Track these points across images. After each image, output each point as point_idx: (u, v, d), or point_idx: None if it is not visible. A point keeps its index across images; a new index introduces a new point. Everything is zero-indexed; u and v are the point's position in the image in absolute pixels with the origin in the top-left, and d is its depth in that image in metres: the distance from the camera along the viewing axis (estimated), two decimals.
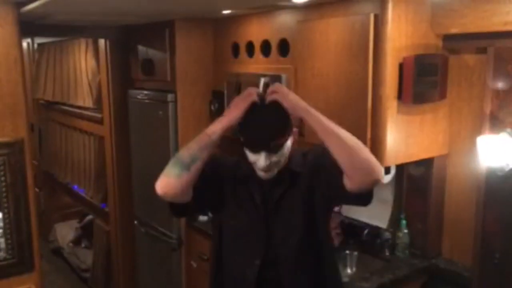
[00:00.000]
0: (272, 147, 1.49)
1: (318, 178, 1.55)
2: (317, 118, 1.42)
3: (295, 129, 1.57)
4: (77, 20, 2.91)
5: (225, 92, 2.77)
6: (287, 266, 1.60)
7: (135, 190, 3.49)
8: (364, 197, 1.48)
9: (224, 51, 2.86)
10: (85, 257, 4.42)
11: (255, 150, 1.51)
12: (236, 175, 1.66)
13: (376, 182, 1.41)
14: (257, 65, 2.61)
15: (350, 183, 1.40)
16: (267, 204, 1.60)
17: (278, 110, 1.49)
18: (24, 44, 4.63)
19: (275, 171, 1.55)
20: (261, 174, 1.55)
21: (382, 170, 1.45)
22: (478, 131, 2.05)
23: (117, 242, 3.72)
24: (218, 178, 1.66)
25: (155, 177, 3.29)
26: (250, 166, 1.59)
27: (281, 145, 1.51)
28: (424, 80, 2.02)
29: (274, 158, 1.51)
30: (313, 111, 1.44)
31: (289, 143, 1.54)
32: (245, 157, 1.63)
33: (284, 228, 1.60)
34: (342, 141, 1.39)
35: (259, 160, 1.51)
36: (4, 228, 2.34)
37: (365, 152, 1.41)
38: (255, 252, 1.61)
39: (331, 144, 1.40)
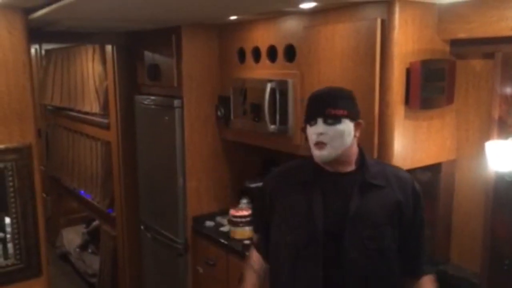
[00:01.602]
0: (327, 115, 1.45)
1: (405, 225, 1.55)
2: None
3: (360, 121, 1.53)
4: (84, 26, 2.94)
5: (231, 97, 2.77)
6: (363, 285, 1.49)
7: (141, 195, 3.50)
8: None
9: (230, 57, 2.87)
10: (92, 262, 4.43)
11: (312, 118, 1.47)
12: (291, 183, 1.58)
13: None
14: (263, 70, 2.61)
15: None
16: (334, 216, 1.48)
17: (344, 90, 1.54)
18: (32, 50, 4.66)
19: (330, 152, 1.46)
20: (314, 152, 1.49)
21: None
22: (486, 136, 2.04)
23: (123, 247, 3.73)
24: (270, 205, 1.64)
25: (162, 182, 3.33)
26: (309, 171, 1.55)
27: (337, 117, 1.45)
28: (431, 85, 2.01)
29: (330, 132, 1.45)
30: None
31: (349, 127, 1.48)
32: (300, 162, 1.63)
33: (362, 248, 1.47)
34: None
35: (316, 128, 1.46)
36: (12, 233, 2.35)
37: None
38: (314, 276, 1.47)
39: None
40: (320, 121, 1.47)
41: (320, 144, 1.47)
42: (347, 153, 1.52)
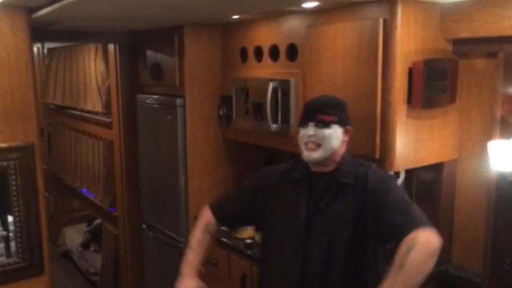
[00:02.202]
0: (318, 119, 1.62)
1: (372, 218, 1.57)
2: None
3: (349, 127, 1.68)
4: (86, 25, 2.94)
5: (233, 96, 2.78)
6: (330, 270, 1.63)
7: (143, 194, 3.51)
8: None
9: (233, 56, 2.87)
10: (94, 261, 4.44)
11: (305, 122, 1.65)
12: (287, 181, 1.74)
13: None
14: (265, 69, 2.61)
15: None
16: (311, 211, 1.65)
17: (337, 99, 1.73)
18: (34, 49, 4.66)
19: (319, 154, 1.62)
20: (303, 153, 1.64)
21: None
22: (488, 135, 2.04)
23: (125, 246, 3.74)
24: (260, 200, 1.79)
25: (164, 181, 3.33)
26: (300, 171, 1.71)
27: (327, 123, 1.62)
28: (433, 85, 2.01)
29: (319, 134, 1.62)
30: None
31: (337, 132, 1.64)
32: (294, 163, 1.78)
33: (325, 240, 1.62)
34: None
35: (307, 130, 1.63)
36: (14, 231, 2.36)
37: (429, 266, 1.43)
38: (296, 257, 1.65)
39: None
40: (311, 124, 1.63)
41: (309, 145, 1.63)
42: (333, 155, 1.67)
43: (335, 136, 1.64)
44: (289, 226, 1.68)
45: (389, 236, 1.58)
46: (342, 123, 1.66)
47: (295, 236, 1.66)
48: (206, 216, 1.90)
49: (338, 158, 1.68)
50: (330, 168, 1.68)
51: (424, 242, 1.41)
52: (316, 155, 1.63)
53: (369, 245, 1.61)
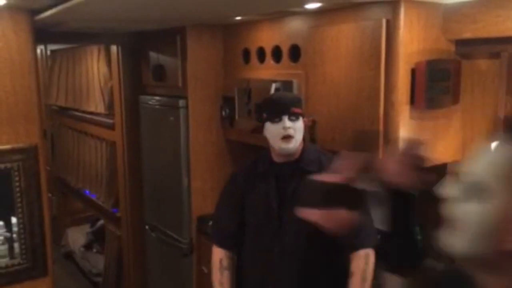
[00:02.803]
0: (291, 113, 1.76)
1: None
2: None
3: (305, 119, 1.83)
4: (89, 27, 2.94)
5: (236, 97, 2.78)
6: (300, 256, 1.79)
7: (146, 195, 3.51)
8: None
9: (235, 57, 2.87)
10: (97, 262, 4.45)
11: (278, 116, 1.76)
12: (255, 174, 1.88)
13: None
14: (268, 70, 2.61)
15: None
16: (281, 199, 1.79)
17: (296, 94, 1.92)
18: (37, 51, 4.68)
19: (293, 143, 1.76)
20: (281, 145, 1.77)
21: None
22: (491, 136, 2.03)
23: (128, 247, 3.74)
24: (240, 198, 1.92)
25: (166, 182, 3.33)
26: (266, 163, 1.86)
27: (298, 115, 1.78)
28: (436, 86, 2.00)
29: (294, 126, 1.75)
30: None
31: (302, 124, 1.79)
32: (260, 157, 1.92)
33: (295, 224, 1.67)
34: None
35: (281, 124, 1.75)
36: (18, 232, 2.37)
37: None
38: (273, 242, 1.79)
39: None
40: (285, 118, 1.76)
41: (287, 138, 1.76)
42: (299, 146, 1.82)
43: (302, 128, 1.81)
44: (263, 215, 1.82)
45: (343, 239, 1.65)
46: (303, 114, 1.83)
47: (269, 224, 1.80)
48: (216, 255, 1.97)
49: (300, 147, 1.83)
50: (293, 157, 1.82)
51: (372, 262, 1.73)
52: (292, 145, 1.77)
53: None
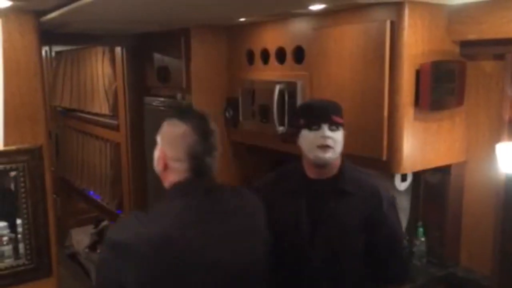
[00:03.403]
0: (332, 121, 1.60)
1: (373, 232, 1.62)
2: None
3: (345, 132, 1.66)
4: (94, 28, 2.95)
5: (240, 99, 2.78)
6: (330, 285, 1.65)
7: (150, 196, 3.51)
8: None
9: (239, 58, 2.87)
10: None
11: (317, 123, 1.60)
12: (283, 189, 1.70)
13: None
14: (272, 72, 2.61)
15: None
16: (313, 221, 1.62)
17: (337, 103, 1.70)
18: (42, 52, 4.70)
19: (330, 154, 1.59)
20: (317, 154, 1.59)
21: None
22: (496, 138, 2.03)
23: None
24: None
25: None
26: (298, 178, 1.68)
27: (339, 125, 1.61)
28: (441, 87, 2.00)
29: (334, 136, 1.59)
30: None
31: (342, 136, 1.63)
32: (290, 170, 1.74)
33: (330, 250, 1.61)
34: None
35: (320, 132, 1.59)
36: (23, 233, 2.37)
37: None
38: (301, 271, 1.65)
39: None
40: (325, 126, 1.60)
41: (325, 147, 1.59)
42: (336, 160, 1.66)
43: (342, 139, 1.64)
44: (292, 238, 1.64)
45: (375, 268, 1.65)
46: (343, 125, 1.66)
47: (298, 247, 1.63)
48: None
49: (338, 163, 1.67)
50: (330, 174, 1.66)
51: None
52: (329, 155, 1.60)
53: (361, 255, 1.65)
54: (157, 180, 3.53)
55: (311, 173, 1.68)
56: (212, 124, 1.50)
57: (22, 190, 2.32)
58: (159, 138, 1.47)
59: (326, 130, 1.59)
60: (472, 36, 1.99)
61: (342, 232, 1.61)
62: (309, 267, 1.63)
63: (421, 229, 2.36)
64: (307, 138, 1.63)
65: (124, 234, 1.34)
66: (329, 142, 1.59)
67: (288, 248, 1.65)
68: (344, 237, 1.61)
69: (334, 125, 1.61)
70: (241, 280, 1.41)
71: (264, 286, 1.52)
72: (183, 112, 1.55)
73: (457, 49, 2.10)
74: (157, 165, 1.46)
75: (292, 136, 1.72)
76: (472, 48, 2.08)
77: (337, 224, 1.61)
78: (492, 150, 1.97)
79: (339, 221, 1.61)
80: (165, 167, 1.47)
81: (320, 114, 1.62)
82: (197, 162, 1.45)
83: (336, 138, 1.61)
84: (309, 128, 1.62)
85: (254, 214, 1.53)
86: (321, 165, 1.64)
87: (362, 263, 1.64)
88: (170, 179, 1.48)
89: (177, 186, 1.45)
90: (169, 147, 1.46)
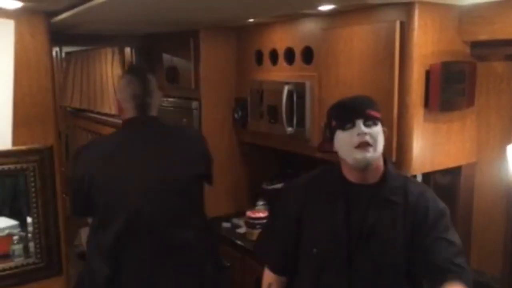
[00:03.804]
0: (367, 116, 1.42)
1: (420, 242, 1.42)
2: None
3: (385, 129, 1.49)
4: (104, 29, 2.98)
5: (248, 99, 2.78)
6: None
7: None
8: None
9: (248, 59, 2.87)
10: None
11: (350, 120, 1.43)
12: (320, 191, 1.55)
13: None
14: (280, 72, 2.61)
15: None
16: (354, 230, 1.45)
17: (371, 97, 1.53)
18: (53, 53, 4.74)
19: (371, 153, 1.42)
20: (355, 155, 1.42)
21: None
22: (507, 139, 2.01)
23: None
24: (297, 218, 1.58)
25: None
26: (336, 180, 1.52)
27: (376, 119, 1.44)
28: (451, 88, 1.99)
29: (370, 132, 1.42)
30: None
31: (381, 131, 1.45)
32: (328, 171, 1.57)
33: (372, 266, 1.43)
34: None
35: (355, 130, 1.42)
36: (33, 232, 2.40)
37: None
38: (339, 282, 1.47)
39: None
40: (359, 122, 1.43)
41: (364, 145, 1.42)
42: (379, 162, 1.49)
43: (382, 136, 1.45)
44: (328, 246, 1.48)
45: (427, 272, 1.39)
46: (382, 122, 1.48)
47: (336, 261, 1.47)
48: (266, 278, 1.69)
49: (381, 164, 1.49)
50: (373, 179, 1.49)
51: None
52: (370, 154, 1.41)
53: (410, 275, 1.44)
54: None
55: (351, 177, 1.50)
56: (149, 74, 2.00)
57: (33, 189, 2.35)
58: (116, 92, 2.03)
59: (361, 126, 1.42)
60: (483, 37, 1.98)
61: (387, 249, 1.43)
62: (346, 285, 1.46)
63: None
64: (342, 140, 1.45)
65: (83, 147, 2.05)
66: (367, 138, 1.41)
67: (322, 258, 1.50)
68: (388, 253, 1.43)
69: (370, 120, 1.43)
70: (165, 190, 1.89)
71: (187, 205, 1.94)
72: (129, 68, 2.24)
73: (467, 50, 2.09)
74: (116, 111, 2.00)
75: (328, 143, 1.53)
76: (483, 49, 2.06)
77: (381, 239, 1.43)
78: (503, 151, 1.95)
79: (384, 235, 1.43)
80: (120, 110, 1.99)
81: (352, 110, 1.45)
82: (139, 101, 1.94)
83: (375, 133, 1.42)
84: (343, 128, 1.45)
85: (189, 142, 2.06)
86: (362, 168, 1.45)
87: (405, 283, 1.45)
88: (123, 119, 2.00)
89: (126, 122, 1.99)
90: (120, 93, 2.00)
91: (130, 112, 1.95)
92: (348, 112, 1.46)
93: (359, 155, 1.42)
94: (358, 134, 1.42)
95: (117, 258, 1.84)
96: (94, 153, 1.93)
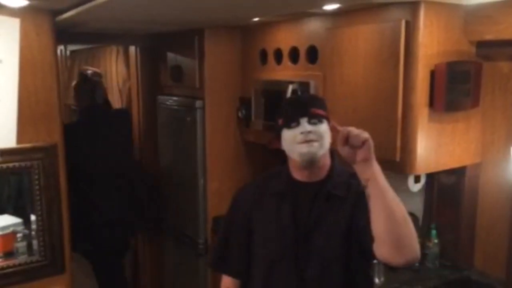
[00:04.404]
0: (312, 114, 1.44)
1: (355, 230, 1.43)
2: (385, 188, 1.30)
3: (332, 124, 1.47)
4: (109, 27, 2.98)
5: (253, 98, 2.78)
6: None
7: (162, 193, 3.53)
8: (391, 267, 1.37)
9: (252, 58, 2.87)
10: None
11: (295, 119, 1.45)
12: (266, 194, 1.57)
13: (408, 263, 1.30)
14: (285, 72, 2.61)
15: (381, 256, 1.31)
16: (299, 227, 1.48)
17: (318, 95, 1.61)
18: (58, 51, 4.75)
19: (316, 148, 1.44)
20: (300, 149, 1.44)
21: (418, 254, 1.30)
22: None
23: (144, 246, 3.77)
24: (246, 223, 1.60)
25: (183, 182, 3.33)
26: (283, 180, 1.54)
27: (320, 117, 1.45)
28: (456, 88, 1.98)
29: (315, 130, 1.43)
30: (383, 179, 1.32)
31: (327, 128, 1.46)
32: (275, 173, 1.61)
33: (318, 260, 1.46)
34: (395, 219, 1.26)
35: (300, 128, 1.44)
36: (37, 230, 2.40)
37: (410, 228, 1.28)
38: (290, 281, 1.49)
39: (381, 218, 1.27)
40: (304, 121, 1.45)
41: (308, 142, 1.44)
42: (325, 159, 1.51)
43: (328, 133, 1.47)
44: (276, 250, 1.51)
45: (364, 235, 1.37)
46: (328, 119, 1.48)
47: (284, 261, 1.50)
48: (223, 285, 1.73)
49: (327, 164, 1.52)
50: (319, 177, 1.51)
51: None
52: (315, 149, 1.43)
53: (357, 262, 1.47)
54: (170, 177, 3.56)
55: (298, 176, 1.53)
56: (97, 78, 3.30)
57: (37, 187, 2.35)
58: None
59: (305, 124, 1.44)
60: (489, 37, 1.97)
61: (329, 240, 1.46)
62: (297, 279, 1.49)
63: (434, 231, 2.34)
64: (287, 138, 1.48)
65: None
66: (311, 136, 1.43)
67: (272, 259, 1.53)
68: (330, 246, 1.46)
69: (314, 118, 1.44)
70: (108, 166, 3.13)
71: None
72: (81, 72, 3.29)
73: (473, 50, 2.08)
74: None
75: (276, 141, 1.56)
76: (488, 49, 2.05)
77: (324, 232, 1.46)
78: (508, 152, 1.94)
79: (326, 228, 1.46)
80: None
81: (297, 108, 1.47)
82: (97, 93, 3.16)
83: (319, 131, 1.44)
84: (288, 126, 1.47)
85: (120, 123, 3.39)
86: (308, 163, 1.46)
87: (351, 268, 1.47)
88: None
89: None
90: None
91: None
92: (293, 110, 1.48)
93: (304, 149, 1.44)
94: (302, 133, 1.44)
95: None
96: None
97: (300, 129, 1.44)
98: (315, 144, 1.44)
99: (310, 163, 1.47)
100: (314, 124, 1.45)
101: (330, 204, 1.48)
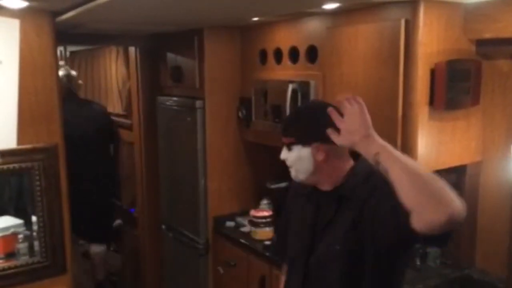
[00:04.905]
0: (283, 142, 1.51)
1: (376, 224, 1.34)
2: (397, 154, 1.24)
3: (317, 144, 1.44)
4: (109, 28, 2.98)
5: (253, 98, 2.78)
6: None
7: (163, 195, 3.54)
8: (437, 238, 1.26)
9: (252, 58, 2.87)
10: (114, 261, 4.49)
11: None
12: (301, 193, 1.61)
13: (452, 218, 1.18)
14: (285, 71, 2.61)
15: (424, 222, 1.17)
16: (316, 230, 1.50)
17: (300, 112, 1.58)
18: (57, 52, 4.75)
19: (296, 174, 1.50)
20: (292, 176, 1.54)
21: (461, 206, 1.19)
22: None
23: (145, 246, 3.77)
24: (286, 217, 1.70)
25: (183, 182, 3.33)
26: (310, 186, 1.56)
27: (290, 144, 1.48)
28: (456, 86, 1.98)
29: (289, 157, 1.49)
30: (391, 148, 1.26)
31: (302, 153, 1.45)
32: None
33: (321, 257, 1.49)
34: (421, 178, 1.19)
35: (281, 155, 1.53)
36: (38, 231, 2.40)
37: (439, 181, 1.21)
38: (298, 277, 1.56)
39: (406, 184, 1.19)
40: (284, 147, 1.52)
41: (288, 165, 1.52)
42: (318, 177, 1.49)
43: (304, 157, 1.45)
44: (297, 245, 1.58)
45: (389, 224, 1.29)
46: (304, 141, 1.45)
47: (301, 256, 1.54)
48: (284, 268, 1.75)
49: (330, 177, 1.48)
50: (330, 187, 1.49)
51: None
52: (295, 175, 1.51)
53: (369, 257, 1.40)
54: (170, 177, 3.55)
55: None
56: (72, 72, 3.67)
57: (38, 188, 2.35)
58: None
59: (284, 151, 1.51)
60: (488, 35, 1.97)
61: (331, 238, 1.46)
62: (304, 276, 1.53)
63: None
64: None
65: None
66: (287, 163, 1.51)
67: (290, 260, 1.63)
68: (332, 242, 1.46)
69: (287, 146, 1.49)
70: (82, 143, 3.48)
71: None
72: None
73: (473, 48, 2.08)
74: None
75: None
76: (488, 47, 2.05)
77: (331, 231, 1.47)
78: (509, 150, 1.95)
79: (333, 228, 1.46)
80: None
81: (281, 131, 1.54)
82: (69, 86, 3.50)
83: (290, 159, 1.48)
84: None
85: (95, 115, 3.79)
86: (301, 183, 1.55)
87: (356, 269, 1.43)
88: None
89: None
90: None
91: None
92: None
93: (291, 172, 1.53)
94: (281, 156, 1.53)
95: None
96: None
97: (281, 155, 1.53)
98: (292, 170, 1.51)
99: (302, 183, 1.54)
100: (289, 150, 1.49)
101: (339, 206, 1.46)
